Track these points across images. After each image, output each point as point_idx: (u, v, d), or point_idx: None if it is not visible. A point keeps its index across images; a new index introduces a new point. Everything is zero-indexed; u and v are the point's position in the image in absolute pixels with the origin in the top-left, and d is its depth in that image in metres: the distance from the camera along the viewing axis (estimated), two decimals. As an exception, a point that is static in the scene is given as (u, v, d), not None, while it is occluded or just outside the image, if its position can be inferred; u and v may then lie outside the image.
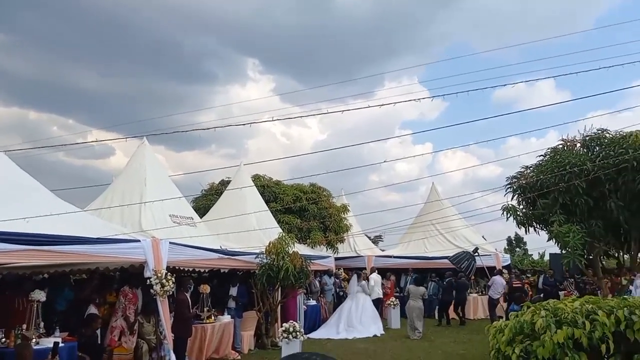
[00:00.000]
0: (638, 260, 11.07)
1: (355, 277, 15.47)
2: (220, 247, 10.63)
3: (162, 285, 8.65)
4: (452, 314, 16.37)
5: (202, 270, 11.49)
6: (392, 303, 15.61)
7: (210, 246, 10.37)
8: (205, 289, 10.81)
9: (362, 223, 21.43)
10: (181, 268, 10.26)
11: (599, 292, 13.40)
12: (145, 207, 9.91)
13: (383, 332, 14.29)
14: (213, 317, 10.70)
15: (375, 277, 16.52)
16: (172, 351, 8.85)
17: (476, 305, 17.89)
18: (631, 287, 11.83)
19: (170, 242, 9.11)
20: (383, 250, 23.22)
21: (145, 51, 60.94)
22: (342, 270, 18.04)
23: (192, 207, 14.01)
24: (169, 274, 8.87)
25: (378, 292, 16.11)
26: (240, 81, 79.64)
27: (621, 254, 11.61)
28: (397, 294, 17.74)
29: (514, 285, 14.58)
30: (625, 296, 3.59)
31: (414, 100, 13.42)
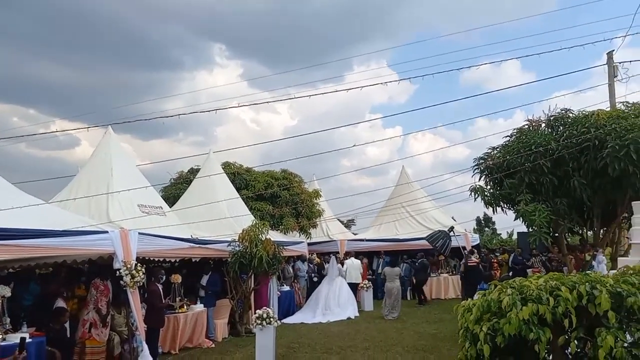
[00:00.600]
0: (600, 236, 11.44)
1: (333, 259, 15.72)
2: (191, 236, 10.52)
3: (132, 277, 8.56)
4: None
5: (173, 260, 11.37)
6: (364, 286, 15.81)
7: (180, 235, 10.26)
8: (177, 278, 10.72)
9: (335, 208, 21.53)
10: (152, 258, 10.14)
11: (564, 268, 13.81)
12: (112, 197, 9.70)
13: (357, 315, 14.55)
14: (185, 307, 10.63)
15: (353, 262, 16.71)
16: (144, 342, 8.78)
17: (447, 285, 18.25)
18: (594, 263, 12.20)
19: (139, 233, 8.99)
20: (355, 234, 23.40)
21: (109, 40, 59.48)
22: (315, 255, 18.11)
23: (161, 196, 13.79)
24: (139, 264, 8.77)
25: (356, 277, 16.32)
26: (207, 67, 78.55)
27: (584, 230, 11.96)
28: (370, 277, 17.93)
29: (469, 264, 14.90)
30: (587, 272, 3.69)
31: (382, 83, 13.52)
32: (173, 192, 16.69)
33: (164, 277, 10.04)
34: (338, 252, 18.58)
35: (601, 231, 11.27)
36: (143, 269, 8.85)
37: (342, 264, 16.13)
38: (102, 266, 9.32)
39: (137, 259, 8.89)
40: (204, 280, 11.56)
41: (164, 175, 18.81)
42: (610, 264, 11.94)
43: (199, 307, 11.00)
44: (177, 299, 10.66)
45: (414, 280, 17.33)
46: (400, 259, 18.10)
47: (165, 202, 12.59)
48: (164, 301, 9.68)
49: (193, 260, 11.53)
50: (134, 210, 9.97)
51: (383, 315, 14.01)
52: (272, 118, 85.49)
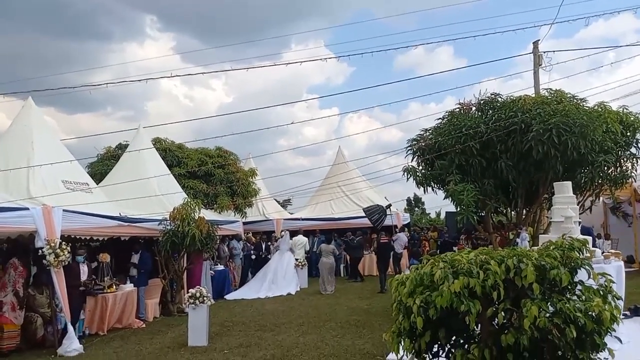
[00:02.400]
0: (523, 215, 12.06)
1: (287, 234, 16.27)
2: (120, 214, 10.14)
3: (57, 255, 8.17)
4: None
5: (101, 238, 10.93)
6: (300, 263, 15.92)
7: (108, 213, 9.86)
8: (105, 257, 10.33)
9: (271, 187, 21.45)
10: (77, 237, 9.69)
11: (490, 247, 14.51)
12: (33, 172, 9.13)
13: (298, 290, 14.99)
14: (114, 287, 10.28)
15: (300, 239, 16.82)
16: (69, 323, 8.44)
17: (371, 263, 18.61)
18: (517, 240, 12.86)
19: (63, 210, 8.58)
20: (292, 213, 23.46)
21: (28, 7, 55.37)
22: (251, 235, 17.99)
23: (88, 172, 13.16)
24: (63, 243, 8.37)
25: (302, 254, 16.55)
26: (137, 39, 75.26)
27: (509, 210, 12.57)
28: (306, 255, 18.06)
29: (381, 241, 15.73)
30: (514, 247, 3.87)
31: (322, 59, 13.52)
32: (100, 169, 15.95)
33: (85, 255, 9.64)
34: (274, 232, 18.58)
35: (524, 211, 11.86)
36: (68, 248, 8.47)
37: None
38: (21, 245, 8.82)
39: (62, 237, 8.49)
40: (135, 258, 11.20)
41: (91, 151, 17.95)
42: (532, 241, 12.67)
43: (129, 286, 10.68)
44: (106, 279, 10.29)
45: (349, 258, 17.73)
46: (333, 237, 18.38)
47: (92, 178, 12.03)
48: (82, 280, 9.28)
49: (122, 238, 11.12)
50: (58, 187, 9.46)
51: (320, 291, 14.41)
52: (206, 94, 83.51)
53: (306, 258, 16.87)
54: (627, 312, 7.86)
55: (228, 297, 14.22)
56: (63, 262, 8.35)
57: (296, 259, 16.00)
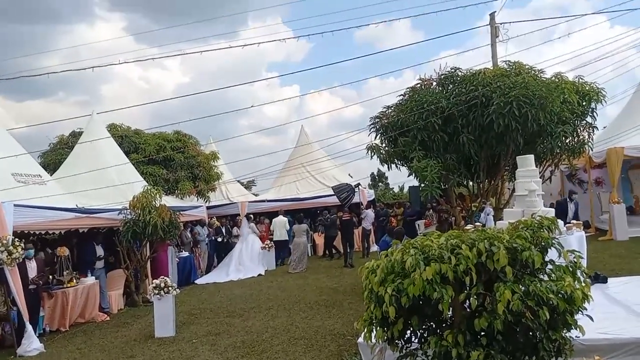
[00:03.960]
0: (485, 188, 12.22)
1: (245, 220, 16.46)
2: (77, 205, 9.73)
3: (10, 253, 7.78)
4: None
5: (57, 232, 10.52)
6: (266, 246, 15.80)
7: (64, 205, 9.45)
8: (63, 251, 9.93)
9: (234, 170, 21.12)
10: (32, 232, 9.27)
11: (452, 218, 14.72)
12: (-22, 167, 8.63)
13: (262, 273, 15.01)
14: (75, 280, 9.93)
15: (280, 219, 16.85)
16: (28, 322, 8.10)
17: (338, 240, 18.67)
18: (482, 214, 13.08)
19: (14, 205, 8.16)
20: (256, 195, 23.23)
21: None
22: (215, 219, 17.71)
23: (40, 163, 12.62)
24: (16, 240, 7.98)
25: (282, 234, 16.69)
26: (87, 20, 72.19)
27: (470, 183, 12.70)
28: (272, 237, 17.96)
29: (344, 218, 16.14)
30: (483, 228, 3.83)
31: (280, 40, 13.20)
32: (53, 159, 15.31)
33: (33, 251, 9.24)
34: (239, 215, 18.36)
35: (486, 183, 12.01)
36: (22, 244, 8.09)
37: (271, 222, 17.21)
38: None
39: (15, 233, 8.09)
40: (100, 250, 10.87)
41: (42, 140, 17.21)
42: (493, 213, 12.90)
43: (90, 279, 10.34)
44: (65, 273, 9.92)
45: (324, 236, 17.82)
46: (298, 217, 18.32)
47: (45, 169, 11.52)
48: (31, 277, 8.88)
49: (80, 230, 10.72)
50: (8, 180, 9.01)
51: (289, 270, 14.68)
52: (163, 75, 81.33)
53: (273, 240, 16.76)
54: (588, 279, 8.08)
55: (198, 281, 14.44)
56: (17, 260, 7.97)
57: (276, 240, 16.46)
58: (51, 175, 11.42)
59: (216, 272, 15.30)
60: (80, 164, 11.86)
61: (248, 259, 15.34)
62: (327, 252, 17.69)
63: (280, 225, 16.71)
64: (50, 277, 9.82)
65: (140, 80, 77.07)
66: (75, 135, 15.79)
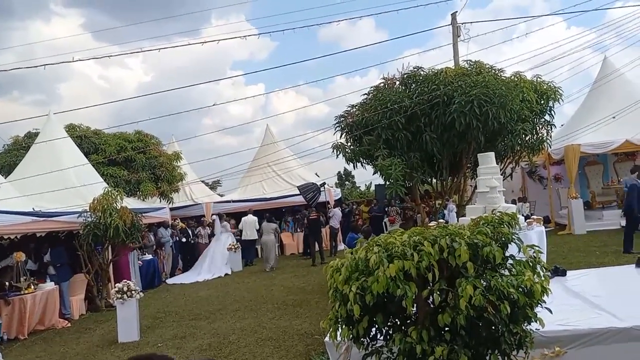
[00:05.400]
0: (448, 185, 12.43)
1: (217, 218, 16.63)
2: (33, 209, 9.41)
3: (-39, 260, 7.47)
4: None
5: (13, 237, 10.15)
6: (232, 246, 15.66)
7: (20, 209, 9.13)
8: (20, 256, 9.60)
9: (199, 170, 20.83)
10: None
11: (417, 215, 14.92)
12: None
13: (229, 273, 15.16)
14: (33, 287, 9.61)
15: (249, 218, 16.78)
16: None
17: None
18: (445, 211, 13.30)
19: (-34, 209, 7.84)
20: (222, 196, 22.98)
21: None
22: (178, 221, 17.43)
23: (-7, 165, 12.12)
24: (-32, 246, 7.67)
25: (252, 233, 16.73)
26: (42, 16, 69.94)
27: (434, 181, 12.91)
28: (238, 238, 17.79)
29: (311, 217, 16.30)
30: (445, 224, 3.87)
31: (242, 37, 13.01)
32: (8, 160, 14.78)
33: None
34: (204, 216, 18.13)
35: (449, 180, 12.21)
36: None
37: (238, 222, 17.21)
38: None
39: (-34, 239, 7.78)
40: (47, 257, 10.54)
41: (-4, 141, 16.58)
42: (456, 209, 13.13)
43: (49, 285, 10.02)
44: (22, 279, 9.59)
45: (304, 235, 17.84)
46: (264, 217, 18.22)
47: (-1, 171, 11.09)
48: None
49: (38, 235, 10.38)
50: (-41, 184, 8.63)
51: (267, 269, 14.84)
52: (123, 74, 79.55)
53: (239, 241, 16.62)
54: (548, 273, 8.28)
55: (169, 281, 14.71)
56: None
57: (245, 240, 16.58)
58: (5, 178, 11.01)
59: (190, 272, 15.45)
60: (36, 165, 11.47)
61: (220, 257, 15.42)
62: (307, 250, 17.69)
63: (250, 225, 16.65)
64: (7, 283, 9.48)
65: (100, 79, 75.24)
66: (31, 136, 15.29)
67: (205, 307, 10.40)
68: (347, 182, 43.85)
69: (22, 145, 15.46)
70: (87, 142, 15.33)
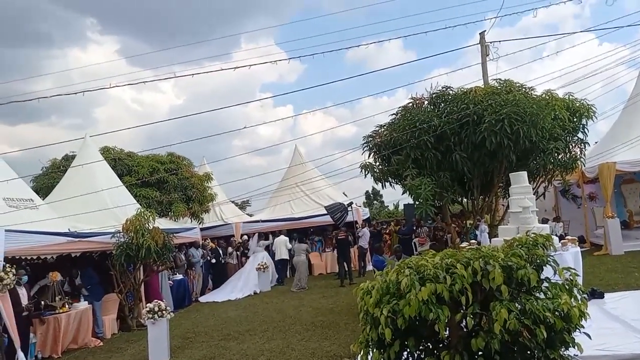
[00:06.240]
0: (479, 204, 12.25)
1: (256, 236, 16.73)
2: (69, 229, 9.65)
3: (1, 279, 7.68)
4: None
5: (50, 257, 10.40)
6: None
7: (56, 230, 9.38)
8: (55, 276, 9.82)
9: (228, 190, 21.07)
10: (24, 257, 9.16)
11: (448, 235, 14.70)
12: (-29, 192, 8.58)
13: (258, 292, 15.28)
14: (67, 306, 9.80)
15: (281, 238, 16.89)
16: (19, 349, 7.97)
17: (333, 260, 18.52)
18: (477, 232, 13.06)
19: (6, 230, 8.08)
20: (251, 216, 23.13)
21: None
22: (209, 241, 17.59)
23: (32, 187, 12.54)
24: (7, 265, 7.90)
25: (284, 252, 16.73)
26: (79, 44, 72.63)
27: (464, 200, 12.74)
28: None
29: (339, 237, 16.10)
30: (478, 246, 3.81)
31: (272, 62, 13.26)
32: (46, 182, 15.24)
33: (27, 277, 9.13)
34: (234, 236, 18.26)
35: (480, 200, 12.04)
36: (13, 270, 7.99)
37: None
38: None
39: (6, 259, 8.00)
40: (78, 280, 10.79)
41: (35, 164, 17.15)
42: (488, 230, 12.89)
43: (83, 304, 10.21)
44: (57, 298, 9.80)
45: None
46: (292, 237, 18.24)
47: (37, 193, 11.46)
48: (23, 304, 8.75)
49: (73, 255, 10.62)
50: (0, 205, 8.93)
51: (293, 288, 14.90)
52: (156, 97, 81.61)
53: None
54: (585, 296, 8.06)
55: (202, 299, 14.94)
56: (9, 286, 7.87)
57: (278, 260, 16.62)
58: (43, 200, 11.35)
59: (222, 290, 15.61)
60: (72, 187, 11.80)
61: (254, 276, 15.57)
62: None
63: (281, 244, 16.70)
64: (42, 302, 9.69)
65: (134, 102, 77.34)
66: (68, 159, 15.75)
67: (234, 327, 10.40)
68: (375, 202, 43.68)
69: (59, 168, 15.93)
70: (121, 164, 15.72)
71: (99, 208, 11.14)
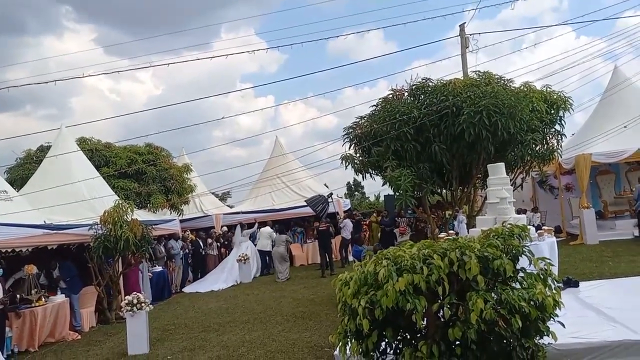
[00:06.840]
0: (458, 195, 12.36)
1: (239, 227, 16.69)
2: (44, 221, 9.47)
3: (-26, 273, 7.54)
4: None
5: (24, 249, 10.21)
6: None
7: (32, 222, 9.19)
8: (31, 269, 9.64)
9: (208, 181, 20.92)
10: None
11: (428, 226, 14.82)
12: (-60, 184, 8.35)
13: (237, 283, 15.34)
14: (44, 299, 9.64)
15: (266, 230, 16.86)
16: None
17: (314, 251, 18.57)
18: (455, 222, 13.21)
19: (-22, 222, 7.91)
20: (231, 207, 23.03)
21: None
22: (188, 232, 17.48)
23: (6, 179, 12.28)
24: (-19, 259, 7.73)
25: (267, 244, 16.67)
26: (55, 32, 71.01)
27: (443, 191, 12.85)
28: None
29: (320, 228, 16.25)
30: (454, 236, 3.84)
31: (250, 52, 13.15)
32: (20, 174, 14.93)
33: (1, 270, 8.97)
34: (214, 227, 18.17)
35: (458, 191, 12.14)
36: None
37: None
38: None
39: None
40: (56, 273, 10.61)
41: (9, 155, 16.80)
42: (466, 220, 13.03)
43: (60, 297, 10.06)
44: (33, 292, 9.63)
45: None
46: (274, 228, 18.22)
47: (12, 185, 11.22)
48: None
49: (49, 248, 10.44)
50: (-29, 197, 8.74)
51: (276, 279, 15.03)
52: (134, 87, 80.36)
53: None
54: (560, 285, 8.20)
55: (185, 289, 15.09)
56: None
57: (260, 250, 16.69)
58: (18, 191, 11.12)
59: (207, 281, 15.58)
60: (48, 178, 11.58)
61: (237, 267, 15.57)
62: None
63: (265, 236, 16.70)
64: (18, 296, 9.52)
65: (112, 93, 76.09)
66: (43, 150, 15.46)
67: (214, 319, 10.37)
68: (356, 193, 43.86)
69: (34, 159, 15.63)
70: (98, 155, 15.48)
71: (76, 200, 10.96)
